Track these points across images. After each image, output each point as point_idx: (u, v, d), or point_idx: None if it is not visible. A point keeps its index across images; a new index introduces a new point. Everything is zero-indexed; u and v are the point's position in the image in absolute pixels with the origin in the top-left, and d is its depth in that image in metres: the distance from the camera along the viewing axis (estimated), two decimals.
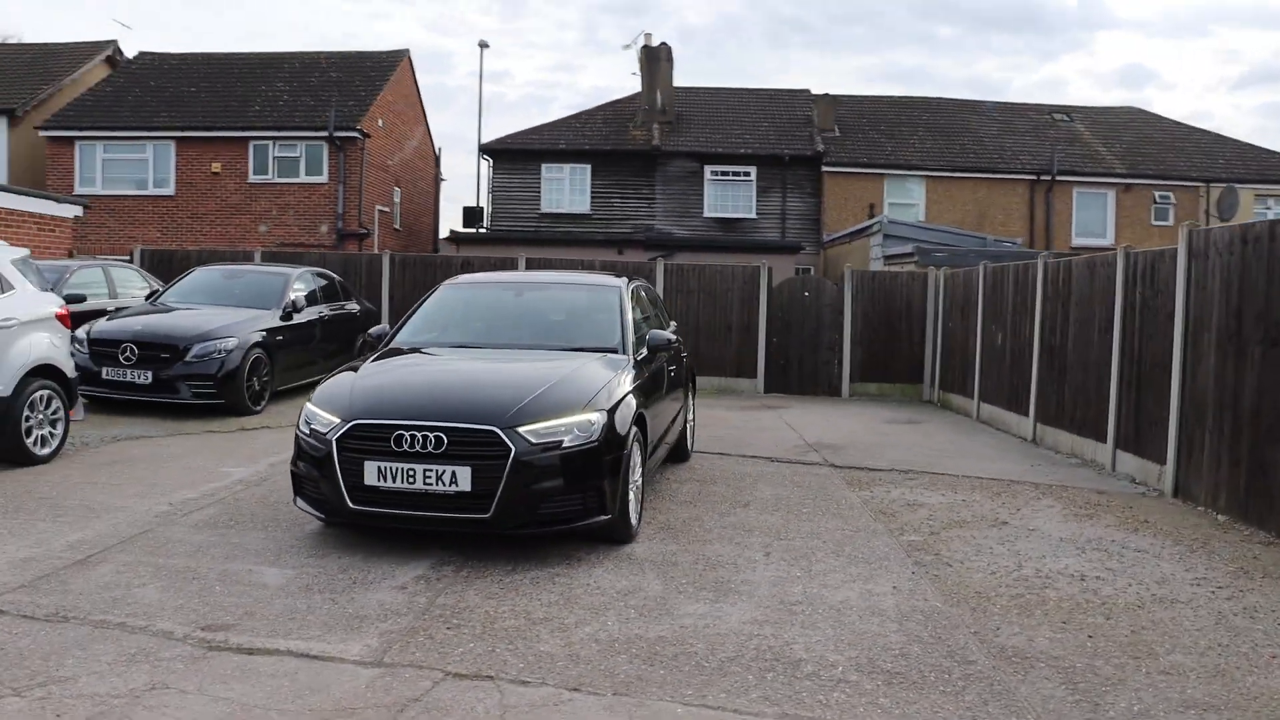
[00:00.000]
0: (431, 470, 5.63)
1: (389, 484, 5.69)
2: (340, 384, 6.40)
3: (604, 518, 5.90)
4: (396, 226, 29.00)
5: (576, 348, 6.98)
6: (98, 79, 28.13)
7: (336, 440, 5.83)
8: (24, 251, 9.11)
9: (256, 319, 11.82)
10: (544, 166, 27.59)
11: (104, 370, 10.87)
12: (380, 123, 26.90)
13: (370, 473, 5.72)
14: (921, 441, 11.01)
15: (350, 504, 5.78)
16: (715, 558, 5.99)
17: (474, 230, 28.41)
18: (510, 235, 26.30)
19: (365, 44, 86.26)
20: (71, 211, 17.17)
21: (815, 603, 5.16)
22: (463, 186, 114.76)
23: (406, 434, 5.69)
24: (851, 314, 15.76)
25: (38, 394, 8.52)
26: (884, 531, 6.72)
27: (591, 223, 27.26)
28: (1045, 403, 10.65)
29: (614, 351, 6.93)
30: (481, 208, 29.19)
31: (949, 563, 5.97)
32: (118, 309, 12.45)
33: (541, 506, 5.70)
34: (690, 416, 9.36)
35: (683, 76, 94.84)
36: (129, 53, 30.08)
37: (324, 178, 25.40)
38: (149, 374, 10.77)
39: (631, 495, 6.29)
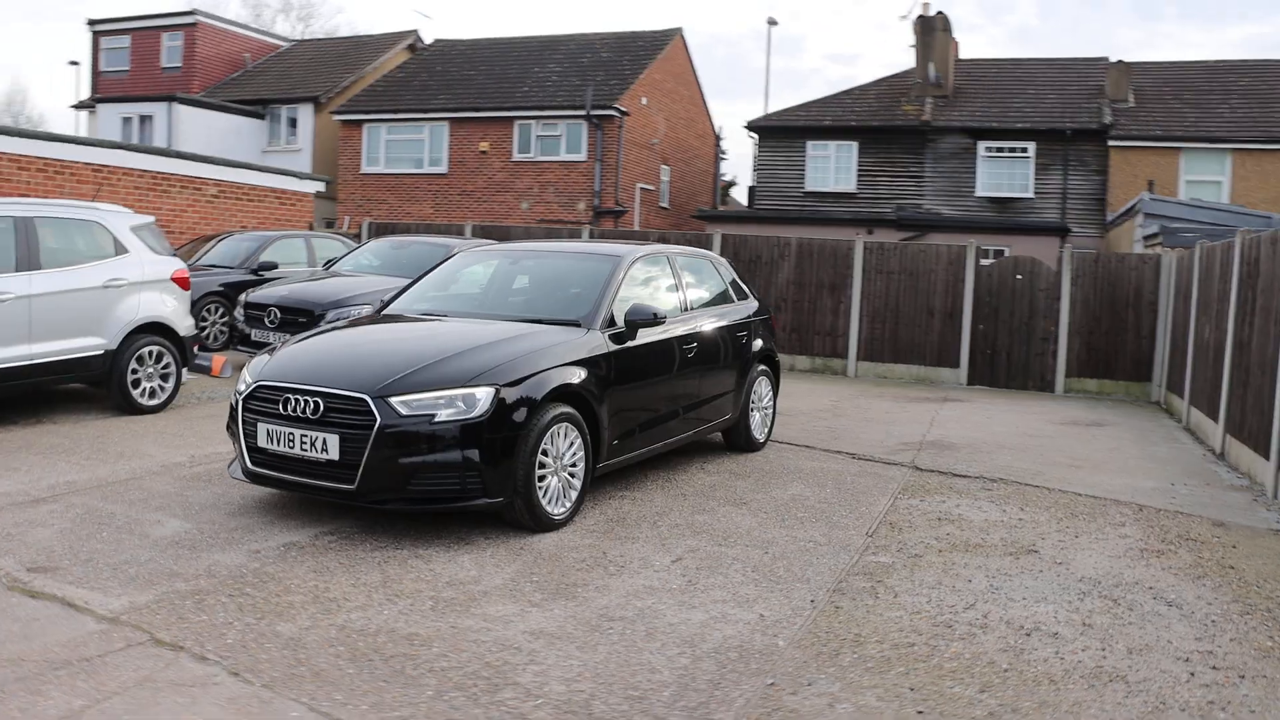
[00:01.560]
0: (308, 436, 5.48)
1: (275, 447, 5.62)
2: (275, 347, 6.44)
3: (485, 500, 5.46)
4: (663, 204, 29.31)
5: (535, 319, 6.52)
6: (394, 66, 30.74)
7: (242, 401, 5.85)
8: (148, 219, 9.98)
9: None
10: (809, 144, 26.69)
11: (253, 332, 11.75)
12: (643, 101, 27.25)
13: (262, 435, 5.68)
14: (1070, 447, 9.34)
15: (249, 464, 5.77)
16: (614, 558, 5.35)
17: (725, 209, 28.09)
18: (771, 214, 25.76)
19: (714, 26, 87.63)
20: (313, 187, 18.83)
21: (637, 622, 4.44)
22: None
23: (292, 398, 5.58)
24: (1070, 300, 13.76)
25: (146, 349, 9.34)
26: (858, 549, 5.71)
27: (855, 202, 26.03)
28: (1231, 409, 8.67)
29: (574, 325, 6.39)
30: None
31: (879, 594, 4.94)
32: (276, 277, 13.43)
33: (412, 482, 5.36)
34: (765, 403, 8.55)
35: (1029, 49, 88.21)
36: (431, 41, 32.63)
37: (583, 155, 26.13)
38: (286, 337, 11.50)
39: (554, 481, 5.78)
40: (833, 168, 26.33)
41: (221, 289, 13.44)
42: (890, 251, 14.99)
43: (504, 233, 17.72)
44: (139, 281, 9.40)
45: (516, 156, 26.70)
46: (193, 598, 4.53)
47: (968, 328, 14.37)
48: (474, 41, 31.06)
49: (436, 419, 5.36)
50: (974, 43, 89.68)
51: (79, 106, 31.22)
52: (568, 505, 5.93)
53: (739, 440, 8.31)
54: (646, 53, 28.09)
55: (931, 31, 26.26)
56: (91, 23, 30.80)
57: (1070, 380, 13.86)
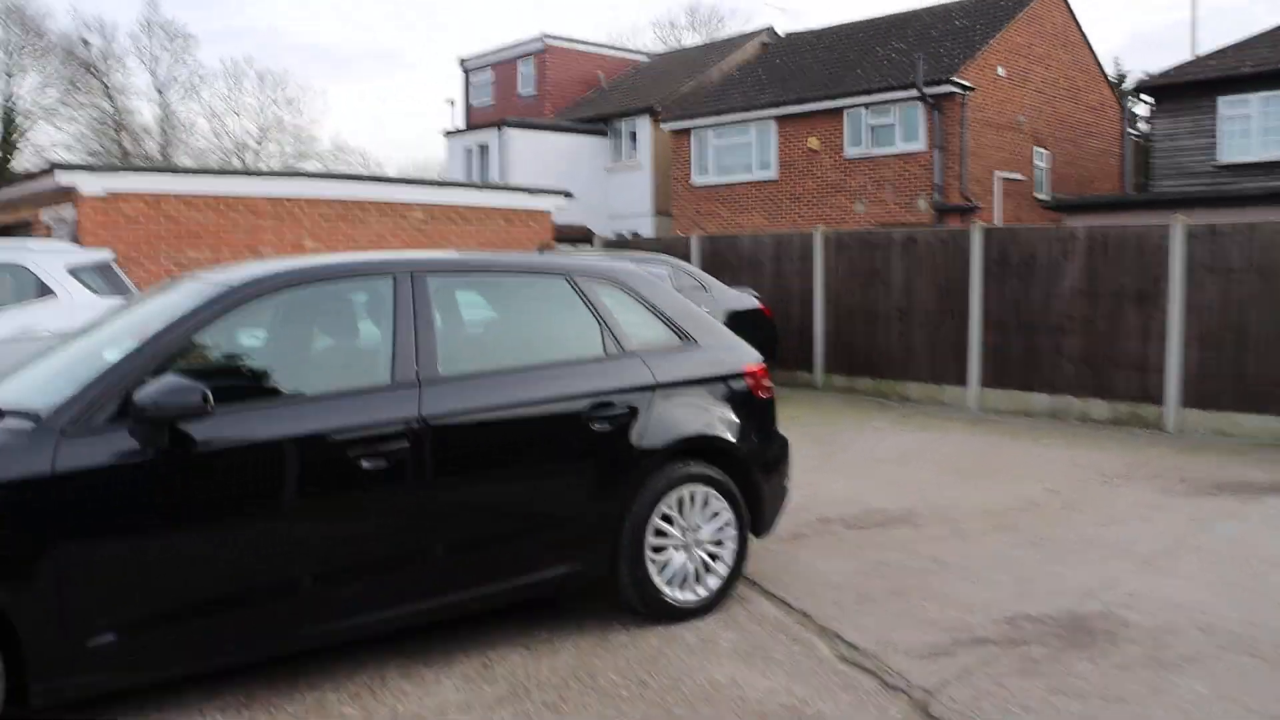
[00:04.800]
0: None
1: None
2: None
3: None
4: (1039, 195, 23.63)
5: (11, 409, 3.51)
6: (734, 68, 28.14)
7: None
8: (100, 255, 8.31)
9: None
10: (1220, 101, 19.81)
11: None
12: (1000, 72, 22.06)
13: None
14: None
15: None
16: None
17: (1099, 195, 21.85)
18: (1163, 197, 19.42)
19: None
20: (549, 203, 16.81)
21: None
22: None
23: None
24: None
25: None
26: None
27: None
28: None
29: (31, 420, 3.31)
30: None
31: None
32: None
33: None
34: (707, 536, 4.60)
35: None
36: (783, 35, 29.62)
37: (921, 144, 21.65)
38: None
39: None
40: (1256, 129, 19.22)
41: None
42: (1228, 239, 9.41)
43: (731, 245, 14.35)
44: (67, 331, 7.69)
45: (848, 152, 22.82)
46: None
47: None
48: (821, 31, 27.50)
49: None
50: None
51: None
52: None
53: (629, 598, 4.50)
54: (1005, 13, 22.76)
55: None
56: (461, 61, 31.83)
57: None
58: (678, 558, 4.58)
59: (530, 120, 27.47)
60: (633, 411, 4.43)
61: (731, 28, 65.94)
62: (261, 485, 3.59)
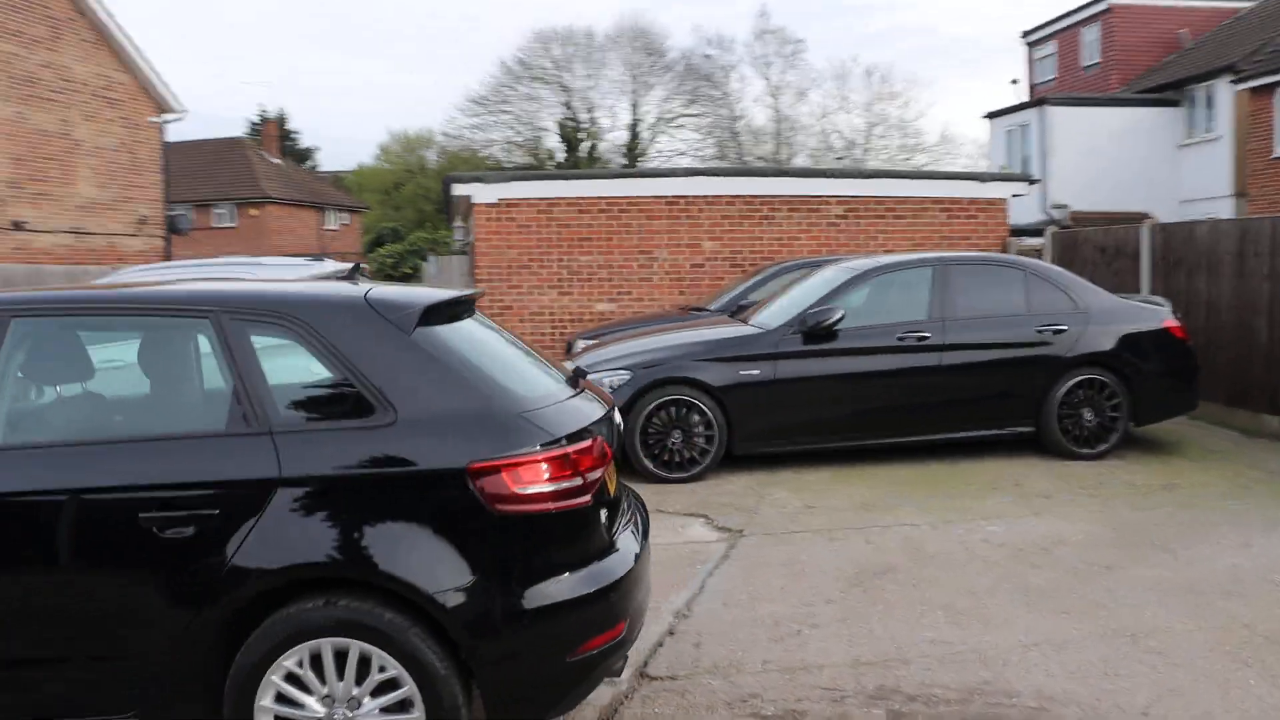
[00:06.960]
0: None
1: None
2: None
3: None
4: None
5: None
6: None
7: None
8: None
9: (732, 342, 8.06)
10: None
11: None
12: None
13: None
14: None
15: None
16: None
17: None
18: None
19: None
20: (1002, 190, 13.98)
21: None
22: None
23: None
24: None
25: None
26: None
27: None
28: None
29: None
30: None
31: None
32: None
33: None
34: (323, 712, 2.98)
35: None
36: None
37: None
38: None
39: None
40: None
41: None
42: None
43: (1187, 237, 10.36)
44: None
45: None
46: None
47: None
48: None
49: None
50: None
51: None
52: None
53: None
54: None
55: None
56: (1024, 34, 28.10)
57: None
58: None
59: (1075, 95, 23.37)
60: (230, 516, 2.99)
61: None
62: None
